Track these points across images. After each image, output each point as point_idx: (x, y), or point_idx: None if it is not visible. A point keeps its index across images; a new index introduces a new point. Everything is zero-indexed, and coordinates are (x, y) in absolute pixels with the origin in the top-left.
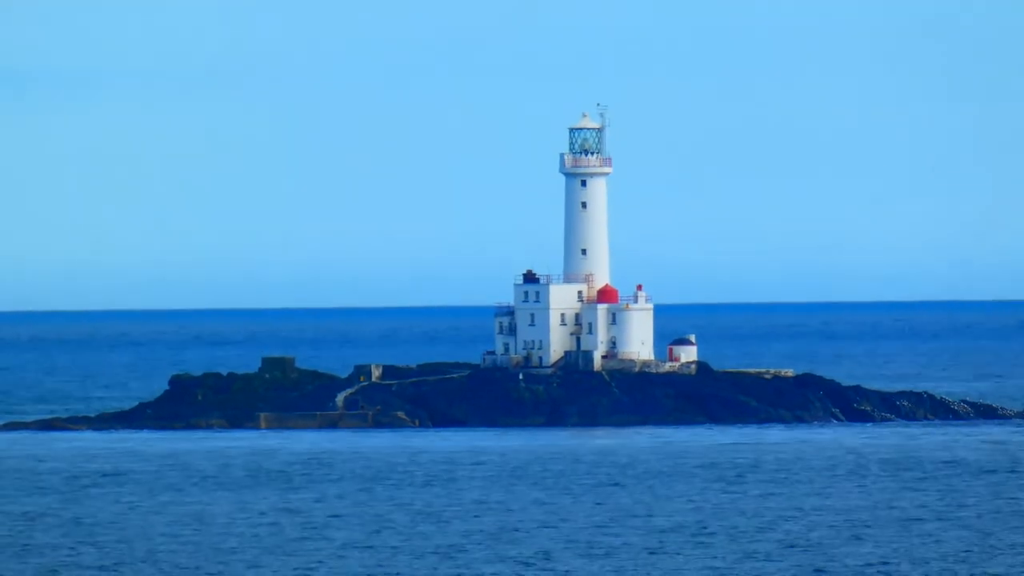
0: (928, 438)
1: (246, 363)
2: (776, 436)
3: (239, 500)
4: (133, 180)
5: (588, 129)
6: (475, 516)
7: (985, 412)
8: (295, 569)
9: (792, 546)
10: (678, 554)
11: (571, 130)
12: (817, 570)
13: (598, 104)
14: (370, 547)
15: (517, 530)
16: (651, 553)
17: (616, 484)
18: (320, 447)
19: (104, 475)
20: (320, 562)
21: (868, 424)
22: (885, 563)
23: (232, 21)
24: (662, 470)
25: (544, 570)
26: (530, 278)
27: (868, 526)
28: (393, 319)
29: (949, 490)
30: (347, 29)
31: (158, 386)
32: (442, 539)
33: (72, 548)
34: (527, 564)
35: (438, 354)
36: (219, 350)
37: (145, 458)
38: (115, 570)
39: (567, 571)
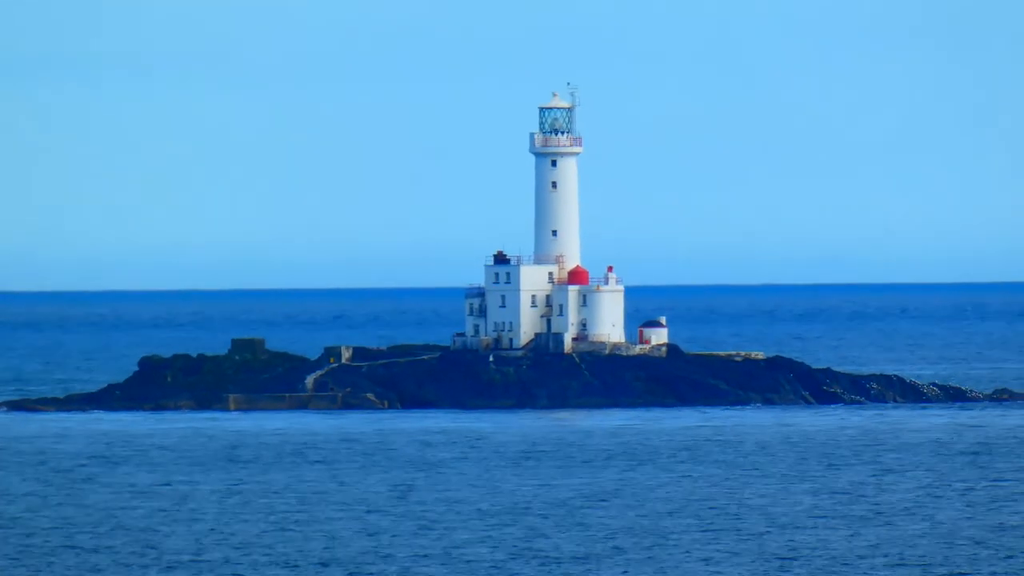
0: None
1: (208, 346)
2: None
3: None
4: (112, 160)
5: (558, 108)
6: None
7: (955, 395)
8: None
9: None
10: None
11: (541, 109)
12: None
13: (568, 83)
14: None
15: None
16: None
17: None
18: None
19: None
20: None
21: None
22: None
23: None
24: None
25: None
26: (500, 259)
27: None
28: (362, 300)
29: None
30: (317, 11)
31: (114, 369)
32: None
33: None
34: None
35: (408, 336)
36: (181, 331)
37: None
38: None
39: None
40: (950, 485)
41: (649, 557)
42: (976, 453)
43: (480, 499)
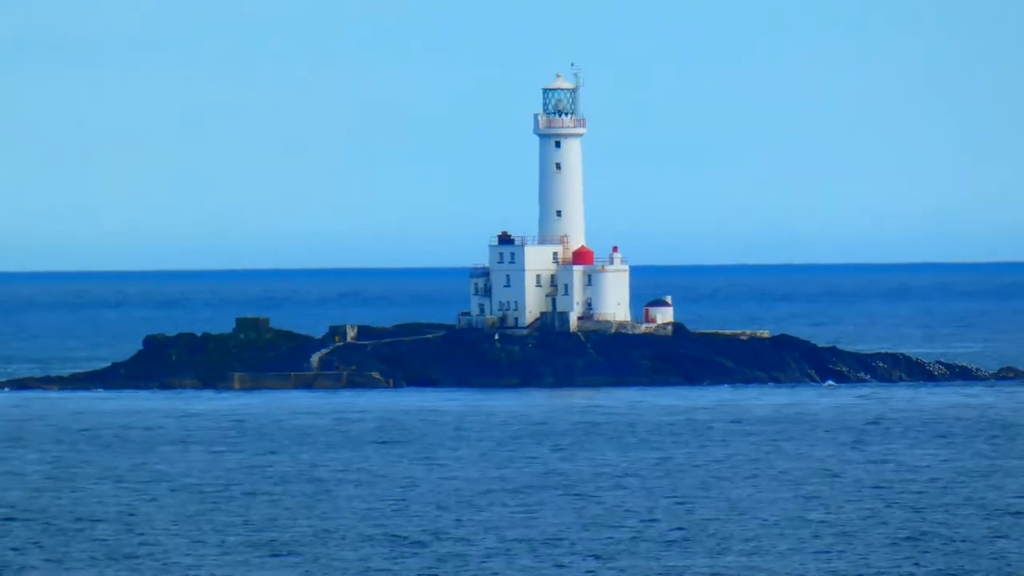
0: None
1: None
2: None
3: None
4: (113, 146)
5: (562, 90)
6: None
7: (961, 373)
8: None
9: None
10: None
11: (545, 90)
12: None
13: (572, 64)
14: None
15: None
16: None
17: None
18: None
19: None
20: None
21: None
22: None
23: None
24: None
25: None
26: (505, 239)
27: None
28: (367, 280)
29: None
30: None
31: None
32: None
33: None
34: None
35: (413, 315)
36: (182, 311)
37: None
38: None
39: None
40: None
41: None
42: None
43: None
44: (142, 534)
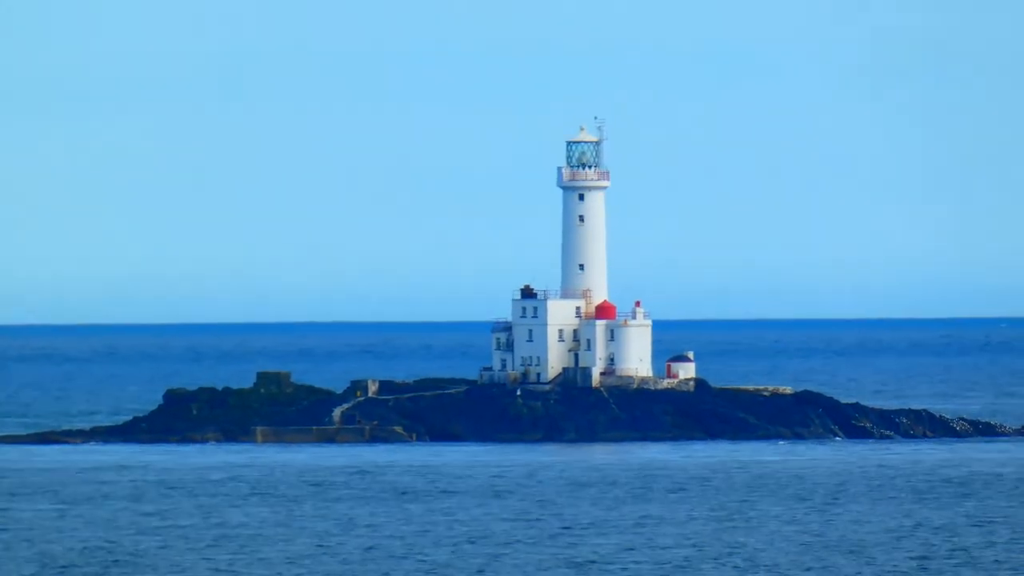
0: None
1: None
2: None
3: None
4: (107, 189)
5: (586, 142)
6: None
7: (984, 430)
8: None
9: None
10: None
11: (568, 143)
12: None
13: (596, 117)
14: None
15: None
16: None
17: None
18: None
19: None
20: None
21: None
22: None
23: (222, 23)
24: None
25: None
26: (528, 293)
27: None
28: (387, 334)
29: None
30: (342, 39)
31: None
32: None
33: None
34: None
35: (433, 369)
36: (200, 366)
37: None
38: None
39: None
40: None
41: None
42: None
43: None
44: None
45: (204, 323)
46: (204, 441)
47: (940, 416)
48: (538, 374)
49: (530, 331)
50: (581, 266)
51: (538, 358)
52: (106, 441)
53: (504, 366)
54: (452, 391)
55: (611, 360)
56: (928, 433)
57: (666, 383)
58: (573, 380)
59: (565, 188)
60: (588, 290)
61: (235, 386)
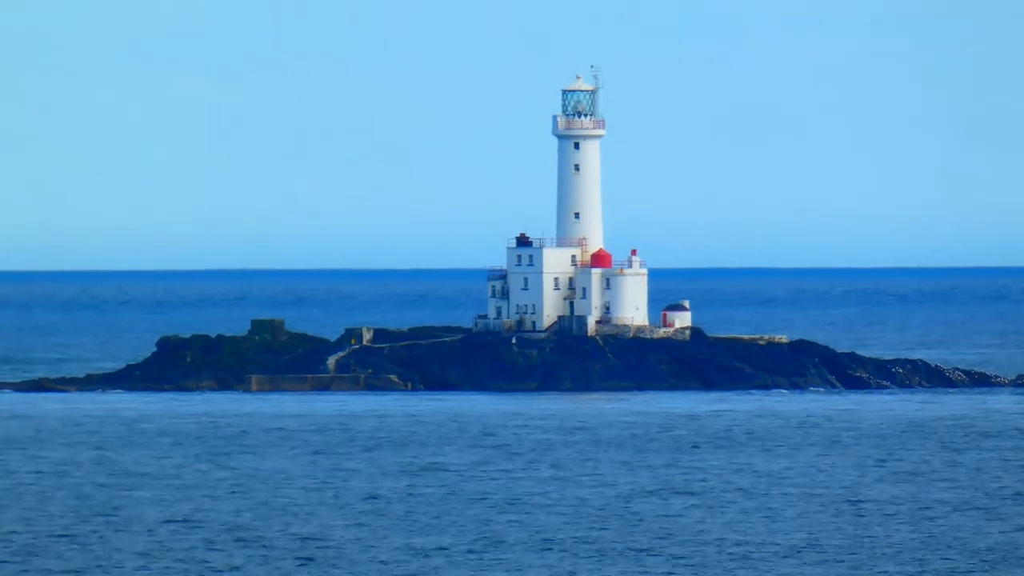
0: None
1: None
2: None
3: None
4: (117, 144)
5: (581, 91)
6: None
7: (979, 380)
8: None
9: None
10: None
11: (564, 92)
12: None
13: (591, 66)
14: None
15: None
16: None
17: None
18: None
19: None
20: None
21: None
22: None
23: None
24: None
25: None
26: (523, 241)
27: None
28: (383, 282)
29: None
30: None
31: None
32: None
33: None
34: None
35: (427, 317)
36: (197, 311)
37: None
38: None
39: None
40: None
41: None
42: None
43: None
44: None
45: (197, 270)
46: (199, 389)
47: (936, 366)
48: (533, 322)
49: (525, 279)
50: (577, 214)
51: (533, 306)
52: (100, 389)
53: (499, 314)
54: (447, 339)
55: (607, 309)
56: (924, 383)
57: (662, 332)
58: (569, 329)
59: (561, 137)
60: (584, 238)
61: (228, 333)
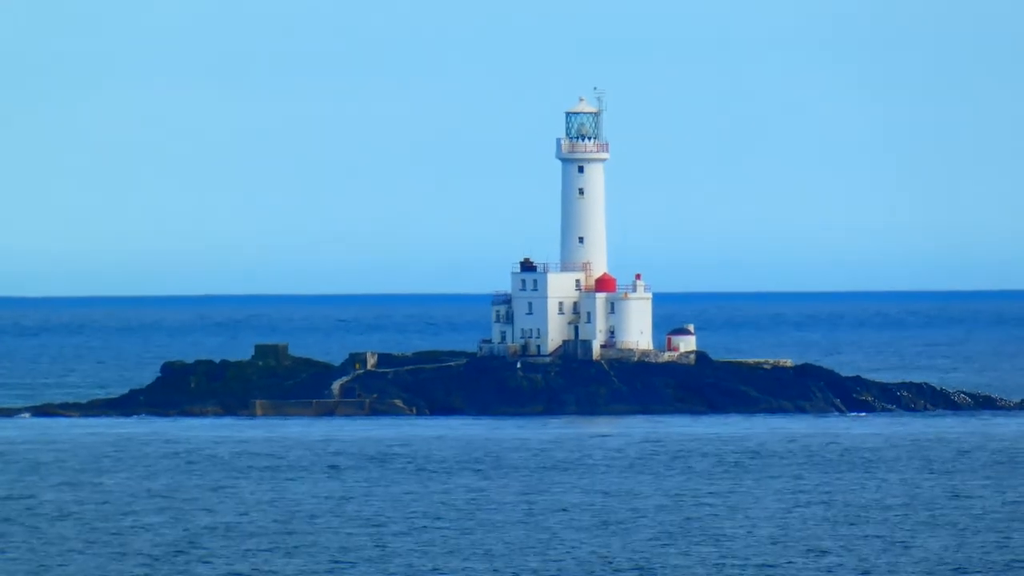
0: None
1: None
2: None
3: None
4: (121, 167)
5: (585, 113)
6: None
7: (984, 403)
8: None
9: None
10: None
11: (568, 114)
12: None
13: (595, 88)
14: None
15: None
16: None
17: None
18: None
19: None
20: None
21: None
22: None
23: (225, 13)
24: None
25: None
26: (527, 266)
27: None
28: (386, 306)
29: None
30: (343, 11)
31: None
32: None
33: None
34: None
35: (434, 343)
36: (200, 336)
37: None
38: None
39: None
40: None
41: None
42: None
43: None
44: None
45: (197, 296)
46: (204, 415)
47: (941, 389)
48: (538, 347)
49: (530, 304)
50: (581, 239)
51: (538, 331)
52: (105, 415)
53: (504, 339)
54: (452, 364)
55: (611, 333)
56: (929, 406)
57: (667, 356)
58: (573, 353)
59: (564, 160)
60: (588, 263)
61: (232, 358)
